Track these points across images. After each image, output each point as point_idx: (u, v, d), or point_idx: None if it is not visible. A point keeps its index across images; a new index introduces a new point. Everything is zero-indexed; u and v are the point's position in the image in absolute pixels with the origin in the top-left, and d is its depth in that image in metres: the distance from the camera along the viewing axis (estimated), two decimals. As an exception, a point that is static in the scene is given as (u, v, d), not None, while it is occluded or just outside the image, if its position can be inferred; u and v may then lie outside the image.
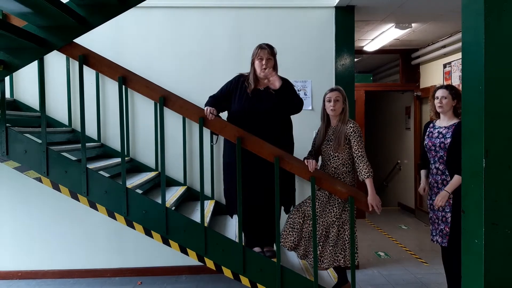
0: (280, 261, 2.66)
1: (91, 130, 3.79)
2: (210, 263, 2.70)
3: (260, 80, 2.91)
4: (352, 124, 2.83)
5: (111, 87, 3.92)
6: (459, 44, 4.75)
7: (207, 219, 2.94)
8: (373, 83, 7.41)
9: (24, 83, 3.95)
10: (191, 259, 2.75)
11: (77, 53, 2.61)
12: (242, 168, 2.62)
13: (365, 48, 6.00)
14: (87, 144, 3.29)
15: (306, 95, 4.03)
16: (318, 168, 2.83)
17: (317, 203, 2.79)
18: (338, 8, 4.04)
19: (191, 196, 3.82)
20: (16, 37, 2.33)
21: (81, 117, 2.66)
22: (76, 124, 3.85)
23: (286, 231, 2.83)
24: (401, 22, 4.77)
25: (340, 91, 2.90)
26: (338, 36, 4.06)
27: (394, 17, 4.56)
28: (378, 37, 5.39)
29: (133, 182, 3.11)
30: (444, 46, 5.52)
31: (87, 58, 2.62)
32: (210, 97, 2.98)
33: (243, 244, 2.70)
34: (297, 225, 2.82)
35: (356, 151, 2.78)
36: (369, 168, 2.76)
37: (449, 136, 2.97)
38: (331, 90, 2.90)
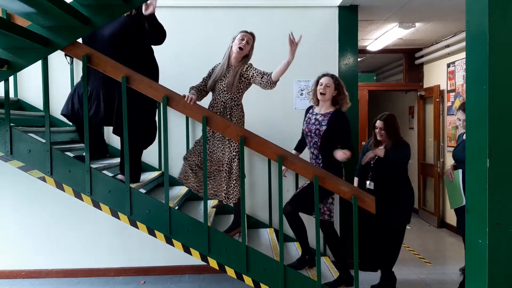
0: (283, 261, 2.66)
1: (94, 129, 3.80)
2: (213, 263, 2.70)
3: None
4: (248, 65, 3.02)
5: (114, 86, 3.92)
6: (463, 44, 4.72)
7: (210, 218, 2.94)
8: (376, 82, 7.40)
9: (28, 83, 3.96)
10: (194, 259, 2.76)
11: (81, 53, 2.62)
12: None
13: (368, 48, 5.99)
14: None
15: (309, 94, 4.01)
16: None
17: (212, 140, 3.00)
18: (341, 8, 4.04)
19: (194, 196, 3.82)
20: (20, 37, 2.34)
21: (85, 117, 2.66)
22: (80, 124, 3.85)
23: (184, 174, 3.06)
24: (405, 22, 4.76)
25: (254, 38, 3.09)
26: (342, 35, 4.06)
27: (398, 17, 4.55)
28: (382, 37, 5.38)
29: (136, 181, 3.11)
30: (447, 46, 5.50)
31: (90, 58, 2.62)
32: None
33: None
34: (195, 168, 3.01)
35: (255, 71, 2.97)
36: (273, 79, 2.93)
37: (324, 124, 3.08)
38: (247, 32, 3.06)
